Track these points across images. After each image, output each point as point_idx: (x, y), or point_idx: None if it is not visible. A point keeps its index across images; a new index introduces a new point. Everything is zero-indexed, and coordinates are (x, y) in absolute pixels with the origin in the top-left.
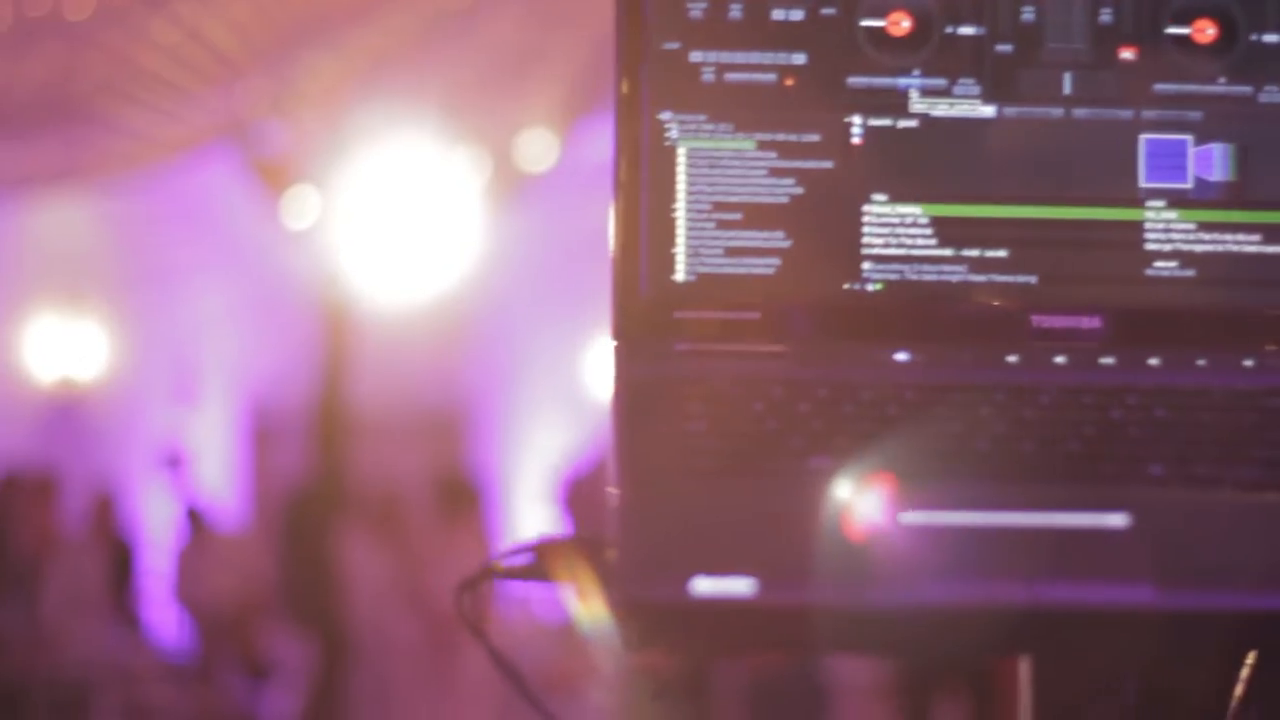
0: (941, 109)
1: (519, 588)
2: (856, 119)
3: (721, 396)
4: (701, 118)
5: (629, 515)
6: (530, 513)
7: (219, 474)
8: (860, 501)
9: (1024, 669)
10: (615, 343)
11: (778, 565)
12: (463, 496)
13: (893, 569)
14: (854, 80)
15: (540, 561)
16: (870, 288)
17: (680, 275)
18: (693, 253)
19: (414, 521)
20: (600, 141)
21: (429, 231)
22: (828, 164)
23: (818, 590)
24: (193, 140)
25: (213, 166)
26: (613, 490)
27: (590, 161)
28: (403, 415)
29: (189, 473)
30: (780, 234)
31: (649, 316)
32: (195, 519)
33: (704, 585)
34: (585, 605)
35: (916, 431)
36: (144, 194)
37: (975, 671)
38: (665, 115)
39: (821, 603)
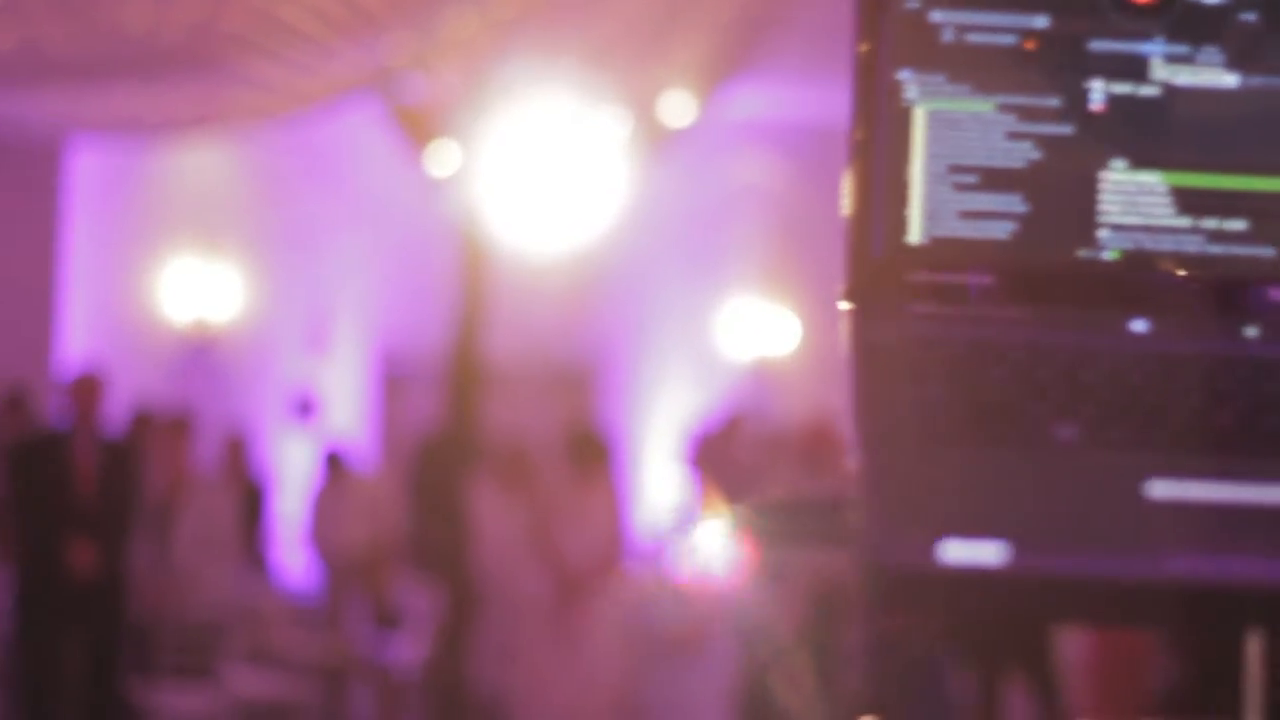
0: (1184, 77)
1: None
2: (1097, 84)
3: (960, 361)
4: (940, 78)
5: (873, 479)
6: (658, 470)
7: (349, 421)
8: (1105, 472)
9: (1254, 644)
10: (849, 304)
11: (1028, 533)
12: (593, 451)
13: (1139, 541)
14: (1095, 45)
15: (777, 521)
16: (1106, 255)
17: (914, 237)
18: (928, 215)
19: (543, 475)
20: (739, 102)
21: (567, 185)
22: (1067, 129)
23: (1068, 559)
24: (334, 90)
25: (355, 116)
26: (854, 453)
27: (729, 122)
28: (534, 367)
29: (320, 418)
30: (1017, 198)
31: (882, 278)
32: (335, 463)
33: (953, 550)
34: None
35: (1159, 403)
36: (285, 141)
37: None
38: (904, 75)
39: (1073, 573)
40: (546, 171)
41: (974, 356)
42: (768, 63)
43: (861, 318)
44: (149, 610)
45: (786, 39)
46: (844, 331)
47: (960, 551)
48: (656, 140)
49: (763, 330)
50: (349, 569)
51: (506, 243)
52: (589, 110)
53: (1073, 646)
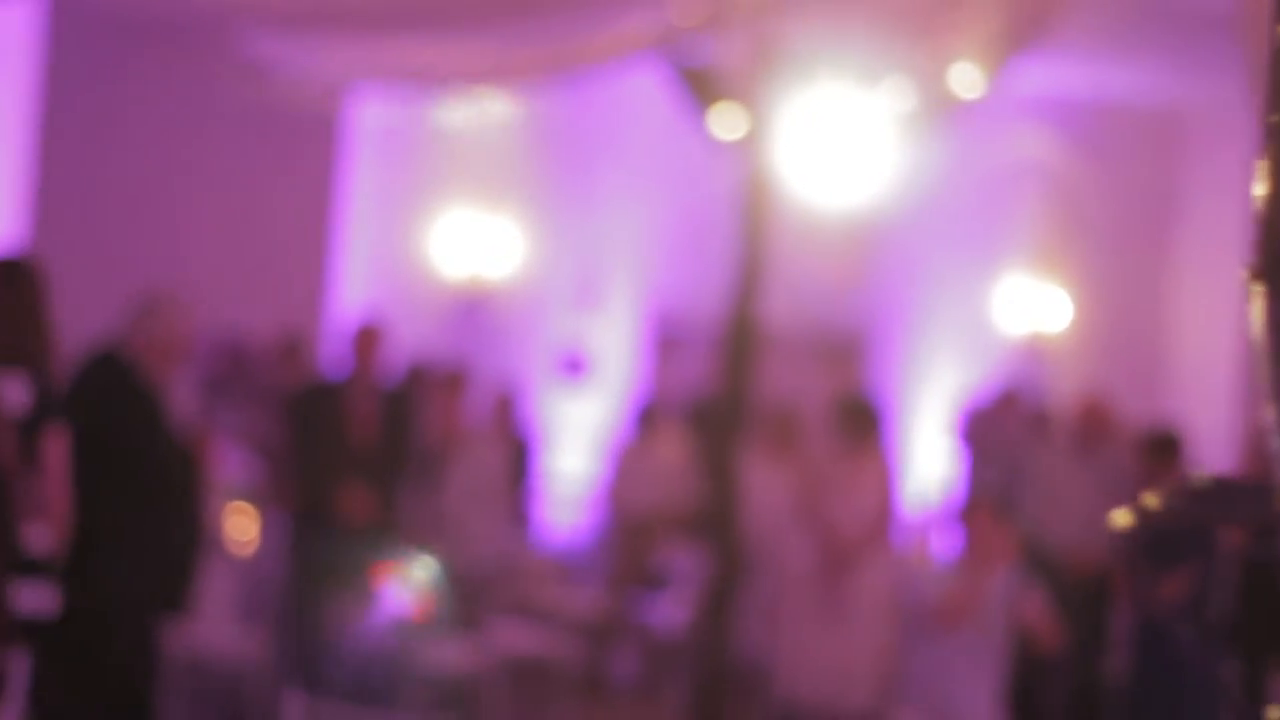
0: None
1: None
2: None
3: None
4: None
5: None
6: (928, 443)
7: (618, 381)
8: None
9: None
10: (1260, 284)
11: None
12: (864, 421)
13: None
14: None
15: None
16: None
17: None
18: None
19: (813, 443)
20: (1025, 78)
21: (850, 153)
22: None
23: None
24: (621, 50)
25: (639, 75)
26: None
27: (1013, 97)
28: (809, 335)
29: (589, 377)
30: None
31: None
32: (646, 420)
33: None
34: None
35: None
36: (567, 98)
37: None
38: None
39: None
40: (830, 138)
41: None
42: (1057, 39)
43: (1275, 298)
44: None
45: (1078, 16)
46: (1253, 311)
47: None
48: (943, 111)
49: (1037, 307)
50: (630, 528)
51: (787, 208)
52: (876, 78)
53: None
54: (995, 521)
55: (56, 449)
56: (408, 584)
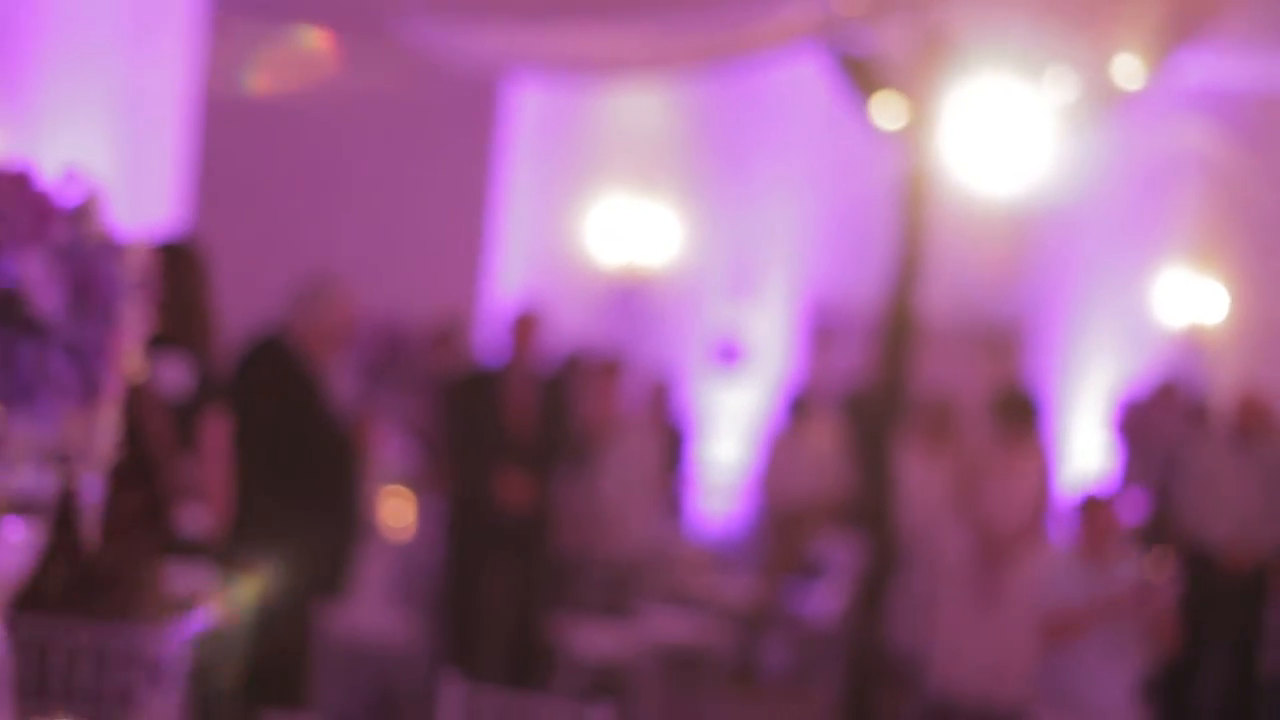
0: None
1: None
2: None
3: None
4: None
5: None
6: (1085, 435)
7: (773, 370)
8: None
9: None
10: None
11: None
12: (1022, 413)
13: None
14: None
15: None
16: None
17: None
18: None
19: (970, 434)
20: (1187, 70)
21: (1011, 145)
22: None
23: None
24: (782, 38)
25: (798, 62)
26: None
27: (1174, 89)
28: (966, 325)
29: (744, 366)
30: None
31: None
32: (798, 409)
33: None
34: None
35: None
36: (724, 85)
37: None
38: None
39: None
40: (992, 129)
41: None
42: (1220, 31)
43: None
44: (572, 548)
45: (1240, 8)
46: None
47: None
48: (1104, 103)
49: (1196, 299)
50: (784, 517)
51: (947, 198)
52: (1039, 69)
53: None
54: (1112, 515)
55: (216, 432)
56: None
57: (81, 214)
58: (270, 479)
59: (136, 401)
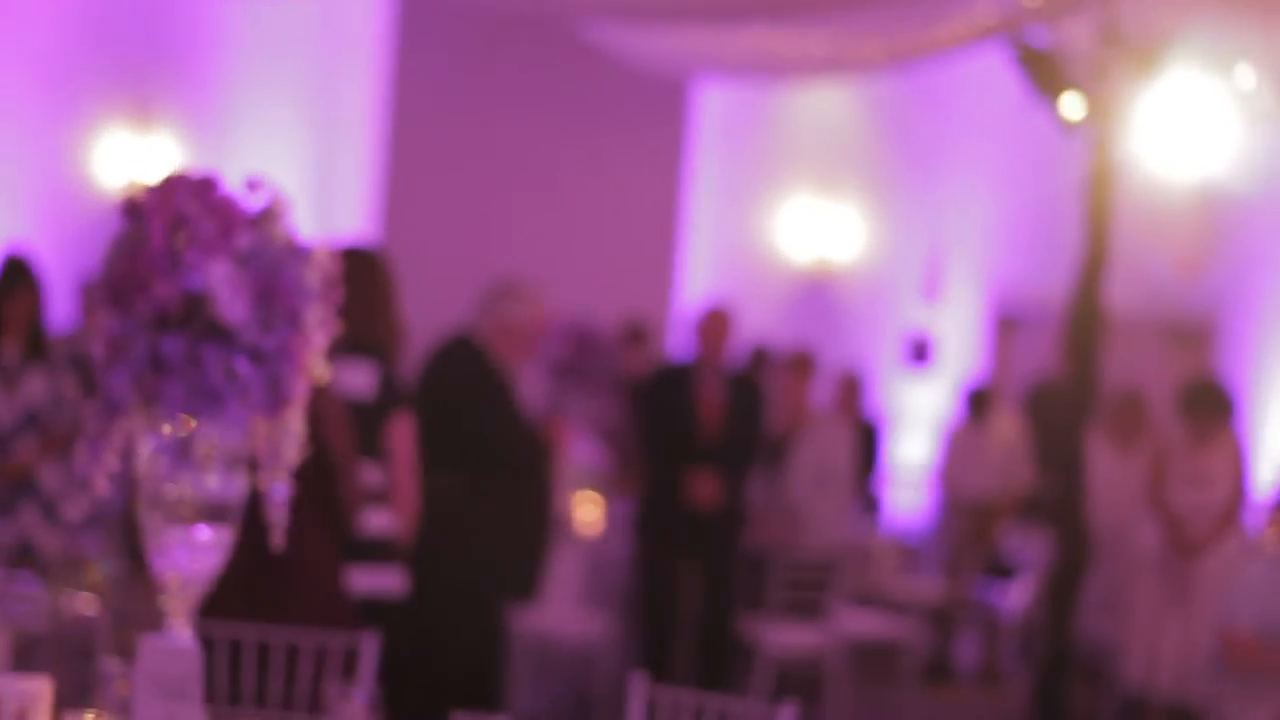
0: None
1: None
2: None
3: None
4: None
5: None
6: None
7: (961, 365)
8: None
9: None
10: None
11: None
12: (1215, 406)
13: None
14: None
15: None
16: None
17: None
18: None
19: (1161, 429)
20: None
21: (1199, 138)
22: None
23: None
24: (965, 37)
25: (981, 60)
26: None
27: None
28: (1155, 318)
29: (933, 362)
30: None
31: None
32: (977, 404)
33: None
34: None
35: None
36: (908, 82)
37: None
38: None
39: None
40: (1179, 122)
41: None
42: None
43: None
44: (763, 545)
45: None
46: None
47: None
48: None
49: None
50: (973, 513)
51: (1134, 191)
52: (1226, 63)
53: None
54: None
55: (404, 437)
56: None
57: (266, 219)
58: (463, 479)
59: (320, 406)
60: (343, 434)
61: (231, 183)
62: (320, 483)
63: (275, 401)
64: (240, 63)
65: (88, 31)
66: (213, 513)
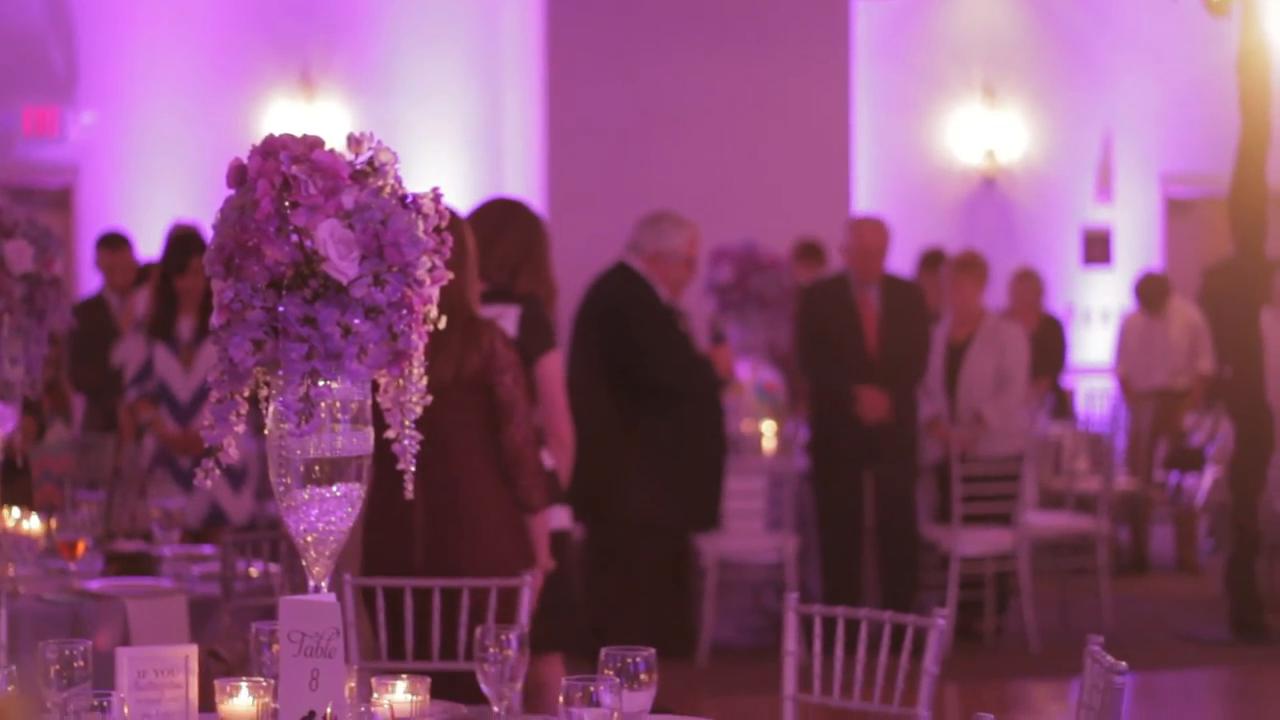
0: None
1: None
2: None
3: None
4: None
5: None
6: None
7: (1136, 256)
8: None
9: None
10: None
11: None
12: None
13: None
14: None
15: None
16: None
17: None
18: None
19: None
20: None
21: None
22: None
23: None
24: None
25: None
26: None
27: None
28: None
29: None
30: None
31: None
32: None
33: None
34: None
35: None
36: None
37: None
38: None
39: None
40: None
41: None
42: None
43: None
44: (946, 449)
45: None
46: None
47: None
48: None
49: None
50: (1155, 403)
51: None
52: None
53: None
54: None
55: (553, 377)
56: None
57: (372, 174)
58: (634, 410)
59: (489, 349)
60: (517, 378)
61: (398, 146)
62: (491, 428)
63: (394, 355)
64: (400, 24)
65: (253, 7)
66: (341, 470)
